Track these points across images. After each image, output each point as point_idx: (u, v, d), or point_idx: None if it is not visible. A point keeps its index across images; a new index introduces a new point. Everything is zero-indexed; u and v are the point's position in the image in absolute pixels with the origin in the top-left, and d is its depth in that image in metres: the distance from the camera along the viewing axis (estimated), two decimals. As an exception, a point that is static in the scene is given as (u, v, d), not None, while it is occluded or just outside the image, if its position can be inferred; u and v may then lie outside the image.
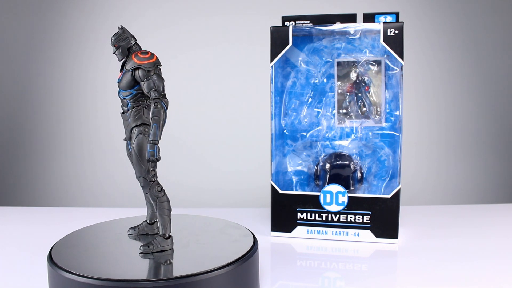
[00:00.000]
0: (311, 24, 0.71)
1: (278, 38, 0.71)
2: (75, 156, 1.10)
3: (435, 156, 1.06)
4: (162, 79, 0.51)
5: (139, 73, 0.50)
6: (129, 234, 0.57)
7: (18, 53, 1.09)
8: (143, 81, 0.50)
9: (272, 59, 0.72)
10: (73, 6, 1.08)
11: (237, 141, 1.06)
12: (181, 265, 0.49)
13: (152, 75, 0.50)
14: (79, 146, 1.09)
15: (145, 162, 0.51)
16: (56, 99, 1.09)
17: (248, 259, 0.50)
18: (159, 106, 0.49)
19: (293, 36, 0.71)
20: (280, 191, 0.72)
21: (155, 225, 0.57)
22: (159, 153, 0.49)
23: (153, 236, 0.56)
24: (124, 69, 0.52)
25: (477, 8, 1.04)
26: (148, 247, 0.51)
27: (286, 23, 0.72)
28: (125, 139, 0.55)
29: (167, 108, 0.50)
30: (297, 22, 0.71)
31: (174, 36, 1.04)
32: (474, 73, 1.05)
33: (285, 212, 0.72)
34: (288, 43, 0.71)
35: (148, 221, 0.57)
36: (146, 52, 0.51)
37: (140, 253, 0.51)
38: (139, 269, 0.48)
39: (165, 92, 0.51)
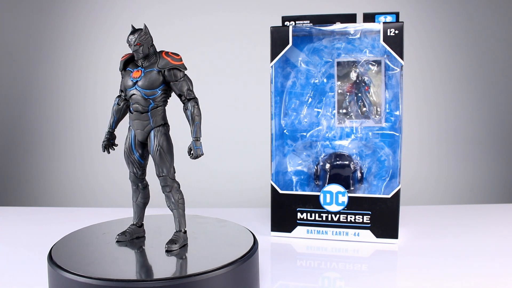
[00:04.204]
0: (311, 24, 0.71)
1: (278, 38, 0.71)
2: (75, 156, 1.10)
3: (435, 156, 1.06)
4: (191, 80, 0.53)
5: (173, 73, 0.51)
6: (118, 241, 0.55)
7: (18, 53, 1.09)
8: (177, 81, 0.51)
9: (272, 59, 0.72)
10: (73, 6, 1.08)
11: (237, 141, 1.06)
12: (181, 265, 0.49)
13: (184, 76, 0.52)
14: (79, 146, 1.09)
15: (171, 160, 0.52)
16: (56, 99, 1.09)
17: (248, 259, 0.50)
18: (197, 105, 0.52)
19: (293, 36, 0.71)
20: (280, 191, 0.72)
21: (143, 227, 0.57)
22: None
23: (140, 239, 0.56)
24: (156, 68, 0.51)
25: (477, 8, 1.04)
26: (175, 243, 0.52)
27: (286, 23, 0.72)
28: (104, 145, 0.55)
29: None
30: (297, 22, 0.71)
31: (173, 36, 1.04)
32: (475, 73, 1.05)
33: (285, 212, 0.72)
34: (288, 43, 0.71)
35: (137, 224, 0.57)
36: (177, 54, 0.53)
37: (167, 250, 0.51)
38: (140, 269, 0.48)
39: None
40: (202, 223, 0.61)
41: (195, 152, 0.51)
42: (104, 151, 0.56)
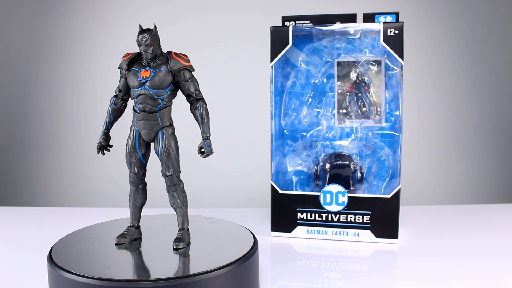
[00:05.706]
0: (311, 24, 0.71)
1: (278, 38, 0.71)
2: (75, 156, 1.10)
3: (435, 156, 1.06)
4: (197, 81, 0.54)
5: (184, 74, 0.52)
6: (118, 243, 0.54)
7: (18, 54, 1.09)
8: (186, 81, 0.53)
9: (272, 59, 0.72)
10: (73, 5, 1.08)
11: (237, 141, 1.06)
12: (181, 265, 0.49)
13: (193, 76, 0.53)
14: (79, 146, 1.09)
15: (179, 160, 0.53)
16: (56, 99, 1.09)
17: (248, 259, 0.50)
18: (205, 105, 0.53)
19: (293, 36, 0.71)
20: (280, 191, 0.72)
21: (140, 228, 0.57)
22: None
23: (138, 239, 0.56)
24: (167, 68, 0.52)
25: (477, 8, 1.04)
26: (182, 241, 0.53)
27: (286, 23, 0.72)
28: (99, 146, 0.55)
29: None
30: (297, 22, 0.71)
31: (173, 36, 1.04)
32: (474, 73, 1.05)
33: (285, 212, 0.72)
34: (288, 43, 0.71)
35: (134, 226, 0.56)
36: (185, 54, 0.53)
37: (175, 248, 0.52)
38: (139, 269, 0.48)
39: None
40: (202, 223, 0.61)
41: (206, 151, 0.52)
42: (98, 153, 0.55)
